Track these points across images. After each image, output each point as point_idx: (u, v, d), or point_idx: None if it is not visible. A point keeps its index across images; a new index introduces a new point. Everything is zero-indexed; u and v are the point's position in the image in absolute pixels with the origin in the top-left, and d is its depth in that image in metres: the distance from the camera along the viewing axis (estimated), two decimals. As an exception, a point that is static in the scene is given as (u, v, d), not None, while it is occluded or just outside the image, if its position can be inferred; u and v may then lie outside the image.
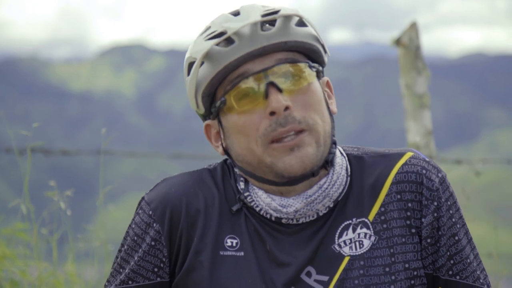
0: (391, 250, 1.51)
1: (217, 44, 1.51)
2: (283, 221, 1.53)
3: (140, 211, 1.57)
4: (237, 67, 1.50)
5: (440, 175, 1.56)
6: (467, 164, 4.55)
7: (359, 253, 1.51)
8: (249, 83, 1.50)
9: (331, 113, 1.55)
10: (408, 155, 1.55)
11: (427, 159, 1.57)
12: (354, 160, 1.57)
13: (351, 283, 1.50)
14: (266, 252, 1.52)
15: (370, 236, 1.51)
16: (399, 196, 1.52)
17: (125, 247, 1.58)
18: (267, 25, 1.52)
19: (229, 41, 1.51)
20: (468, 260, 1.54)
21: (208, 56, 1.51)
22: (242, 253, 1.52)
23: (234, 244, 1.53)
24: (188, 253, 1.53)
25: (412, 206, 1.52)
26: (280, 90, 1.49)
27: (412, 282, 1.51)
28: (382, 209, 1.52)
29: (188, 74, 1.55)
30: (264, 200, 1.53)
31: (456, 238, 1.54)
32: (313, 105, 1.51)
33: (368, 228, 1.52)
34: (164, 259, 1.55)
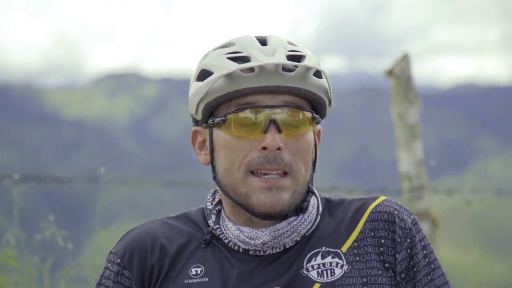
0: (364, 280, 1.56)
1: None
2: (251, 252, 1.58)
3: (108, 265, 1.63)
4: (247, 94, 1.55)
5: (412, 217, 1.64)
6: (458, 194, 4.58)
7: (330, 280, 1.55)
8: (253, 114, 1.55)
9: (315, 162, 1.61)
10: (382, 198, 1.63)
11: (399, 203, 1.65)
12: (326, 201, 1.63)
13: None
14: (233, 277, 1.56)
15: (343, 265, 1.56)
16: (372, 234, 1.59)
17: None
18: (288, 65, 1.56)
19: (250, 68, 1.55)
20: None
21: (226, 74, 1.55)
22: (206, 279, 1.57)
23: (198, 272, 1.58)
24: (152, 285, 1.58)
25: (385, 243, 1.59)
26: (279, 130, 1.54)
27: None
28: (355, 244, 1.58)
29: (198, 79, 1.59)
30: (233, 232, 1.58)
31: (429, 277, 1.60)
32: (303, 153, 1.56)
33: (340, 258, 1.57)
34: None
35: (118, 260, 1.62)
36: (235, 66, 1.54)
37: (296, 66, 1.55)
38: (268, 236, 1.57)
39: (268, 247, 1.57)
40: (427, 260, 1.60)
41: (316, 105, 1.59)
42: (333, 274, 1.56)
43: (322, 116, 1.61)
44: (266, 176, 1.55)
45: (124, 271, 1.61)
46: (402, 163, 4.31)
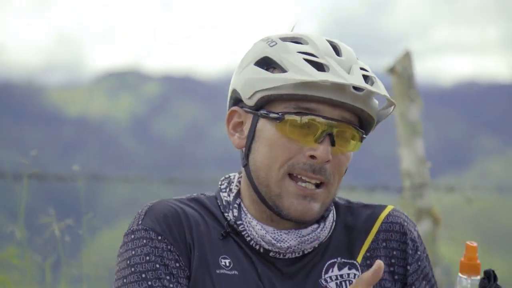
0: None
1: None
2: (271, 254, 1.58)
3: (144, 241, 1.53)
4: (312, 100, 1.55)
5: (417, 228, 1.68)
6: (459, 191, 4.59)
7: None
8: (312, 121, 1.55)
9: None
10: (391, 207, 1.66)
11: (405, 214, 1.68)
12: (334, 204, 1.65)
13: None
14: (257, 275, 1.56)
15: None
16: (384, 244, 1.62)
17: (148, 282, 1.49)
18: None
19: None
20: None
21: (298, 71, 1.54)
22: (236, 272, 1.56)
23: (227, 264, 1.57)
24: (192, 267, 1.55)
25: (397, 254, 1.62)
26: (333, 144, 1.56)
27: None
28: (368, 254, 1.61)
29: (260, 65, 1.56)
30: (258, 231, 1.57)
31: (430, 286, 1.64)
32: (342, 169, 1.59)
33: (357, 269, 1.59)
34: (186, 272, 1.54)
35: (159, 237, 1.54)
36: (314, 73, 1.53)
37: (363, 90, 1.55)
38: (294, 241, 1.58)
39: (290, 251, 1.58)
40: (431, 273, 1.65)
41: (366, 126, 1.62)
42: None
43: (366, 134, 1.64)
44: (304, 184, 1.56)
45: (170, 247, 1.54)
46: (403, 160, 4.32)
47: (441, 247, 4.32)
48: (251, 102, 1.58)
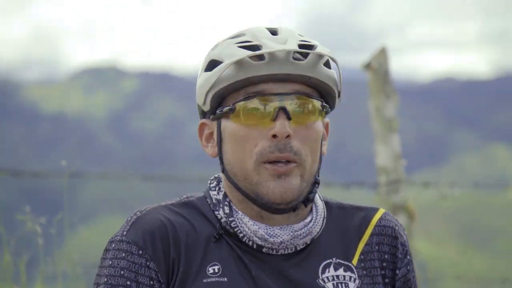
0: None
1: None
2: (264, 250, 1.56)
3: (123, 254, 1.53)
4: (257, 83, 1.55)
5: (405, 233, 1.68)
6: (434, 187, 4.61)
7: None
8: (262, 102, 1.55)
9: (321, 154, 1.61)
10: (382, 210, 1.66)
11: (395, 218, 1.69)
12: (325, 204, 1.64)
13: None
14: (251, 278, 1.55)
15: (355, 279, 1.58)
16: (377, 247, 1.61)
17: None
18: (298, 54, 1.56)
19: (259, 56, 1.55)
20: None
21: (235, 62, 1.55)
22: (225, 279, 1.54)
23: (216, 270, 1.55)
24: (174, 283, 1.53)
25: (388, 258, 1.61)
26: (289, 118, 1.54)
27: None
28: (362, 256, 1.60)
29: (207, 70, 1.58)
30: (250, 227, 1.56)
31: None
32: (311, 141, 1.57)
33: (352, 272, 1.58)
34: None
35: (140, 252, 1.53)
36: (245, 53, 1.54)
37: (306, 56, 1.55)
38: (287, 235, 1.56)
39: (283, 247, 1.56)
40: (415, 279, 1.65)
41: (325, 95, 1.59)
42: (347, 287, 1.57)
43: (331, 107, 1.61)
44: (276, 166, 1.53)
45: (148, 263, 1.53)
46: (379, 156, 4.34)
47: (417, 243, 4.35)
48: (207, 107, 1.59)
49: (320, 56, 1.57)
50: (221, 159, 1.58)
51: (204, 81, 1.58)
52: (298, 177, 1.54)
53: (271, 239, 1.55)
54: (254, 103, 1.54)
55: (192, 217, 1.58)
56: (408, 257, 1.63)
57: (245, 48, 1.55)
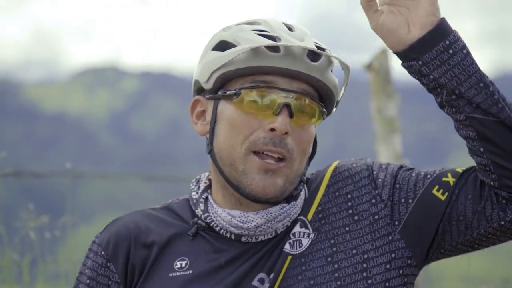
0: (332, 241, 1.56)
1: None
2: (243, 239, 1.57)
3: (91, 255, 1.61)
4: (266, 73, 1.54)
5: (367, 161, 1.63)
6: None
7: (299, 251, 1.56)
8: (268, 93, 1.54)
9: (310, 157, 1.62)
10: (336, 162, 1.65)
11: (353, 159, 1.65)
12: (307, 180, 1.64)
13: (294, 280, 1.54)
14: (220, 268, 1.55)
15: (309, 234, 1.57)
16: (337, 193, 1.59)
17: None
18: (310, 55, 1.56)
19: (274, 48, 1.54)
20: (421, 171, 1.60)
21: (252, 49, 1.53)
22: (190, 272, 1.56)
23: (183, 265, 1.56)
24: (136, 283, 1.57)
25: (352, 196, 1.58)
26: (291, 115, 1.54)
27: (364, 265, 1.55)
28: (320, 208, 1.59)
29: (216, 49, 1.57)
30: (223, 218, 1.56)
31: (400, 173, 1.58)
32: (304, 143, 1.57)
33: (306, 227, 1.57)
34: None
35: (102, 252, 1.60)
36: (264, 41, 1.53)
37: (318, 57, 1.55)
38: (261, 219, 1.55)
39: (261, 231, 1.56)
40: (386, 169, 1.59)
41: (326, 101, 1.60)
42: (300, 245, 1.56)
43: (328, 113, 1.62)
44: (266, 160, 1.54)
45: (108, 264, 1.59)
46: (381, 157, 4.34)
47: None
48: (209, 85, 1.57)
49: (330, 61, 1.58)
50: (211, 139, 1.58)
51: (213, 60, 1.56)
52: (284, 177, 1.55)
53: (245, 225, 1.55)
54: (261, 93, 1.54)
55: (166, 218, 1.61)
56: (380, 178, 1.56)
57: (262, 36, 1.54)
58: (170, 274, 1.56)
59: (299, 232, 1.57)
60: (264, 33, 1.55)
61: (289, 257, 1.55)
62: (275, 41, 1.54)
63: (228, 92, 1.55)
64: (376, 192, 1.58)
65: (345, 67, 1.61)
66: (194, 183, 1.64)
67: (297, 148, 1.56)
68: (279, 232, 1.57)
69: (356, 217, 1.57)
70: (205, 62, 1.58)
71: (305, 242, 1.56)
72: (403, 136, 4.45)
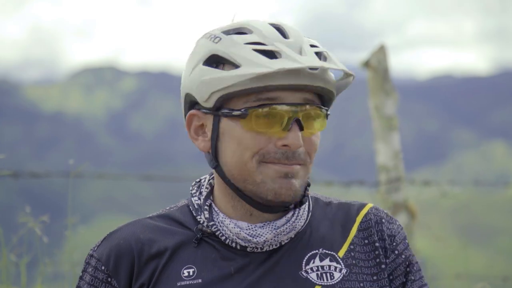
0: (361, 284, 1.56)
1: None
2: (248, 249, 1.55)
3: (89, 269, 1.57)
4: (270, 90, 1.51)
5: (398, 222, 1.66)
6: (435, 185, 4.60)
7: (331, 283, 1.55)
8: (275, 110, 1.51)
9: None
10: (370, 205, 1.66)
11: (385, 211, 1.68)
12: (315, 199, 1.64)
13: None
14: (230, 277, 1.54)
15: (341, 269, 1.56)
16: (366, 241, 1.60)
17: None
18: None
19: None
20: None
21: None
22: (199, 281, 1.53)
23: (191, 273, 1.54)
24: None
25: (379, 246, 1.60)
26: (301, 129, 1.53)
27: None
28: (352, 247, 1.59)
29: (208, 64, 1.52)
30: (231, 230, 1.54)
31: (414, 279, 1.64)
32: (313, 148, 1.56)
33: (338, 262, 1.57)
34: None
35: (103, 267, 1.56)
36: (268, 63, 1.48)
37: (318, 68, 1.52)
38: (270, 234, 1.54)
39: (267, 244, 1.55)
40: (415, 263, 1.64)
41: (327, 101, 1.58)
42: (332, 277, 1.56)
43: (329, 109, 1.61)
44: (280, 164, 1.52)
45: (109, 279, 1.56)
46: (379, 154, 4.33)
47: (418, 241, 4.34)
48: (209, 104, 1.53)
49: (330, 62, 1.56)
50: (215, 156, 1.55)
51: (211, 80, 1.51)
52: (300, 180, 1.54)
53: (255, 240, 1.54)
54: (268, 110, 1.51)
55: (167, 227, 1.57)
56: (400, 246, 1.61)
57: (260, 53, 1.50)
58: (179, 283, 1.53)
59: (330, 265, 1.56)
60: (261, 48, 1.50)
61: (318, 287, 1.54)
62: (275, 56, 1.50)
63: (234, 113, 1.51)
64: (387, 261, 1.61)
65: (349, 75, 1.58)
66: (195, 188, 1.61)
67: (309, 153, 1.55)
68: (283, 243, 1.56)
69: (383, 266, 1.59)
70: (200, 79, 1.52)
71: (337, 275, 1.55)
72: (401, 134, 4.44)
